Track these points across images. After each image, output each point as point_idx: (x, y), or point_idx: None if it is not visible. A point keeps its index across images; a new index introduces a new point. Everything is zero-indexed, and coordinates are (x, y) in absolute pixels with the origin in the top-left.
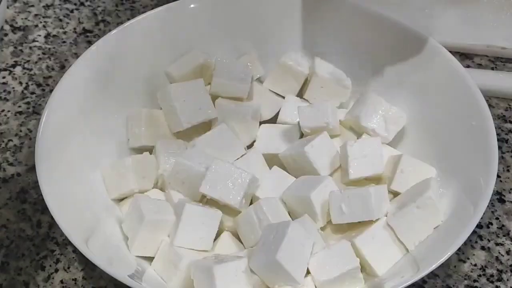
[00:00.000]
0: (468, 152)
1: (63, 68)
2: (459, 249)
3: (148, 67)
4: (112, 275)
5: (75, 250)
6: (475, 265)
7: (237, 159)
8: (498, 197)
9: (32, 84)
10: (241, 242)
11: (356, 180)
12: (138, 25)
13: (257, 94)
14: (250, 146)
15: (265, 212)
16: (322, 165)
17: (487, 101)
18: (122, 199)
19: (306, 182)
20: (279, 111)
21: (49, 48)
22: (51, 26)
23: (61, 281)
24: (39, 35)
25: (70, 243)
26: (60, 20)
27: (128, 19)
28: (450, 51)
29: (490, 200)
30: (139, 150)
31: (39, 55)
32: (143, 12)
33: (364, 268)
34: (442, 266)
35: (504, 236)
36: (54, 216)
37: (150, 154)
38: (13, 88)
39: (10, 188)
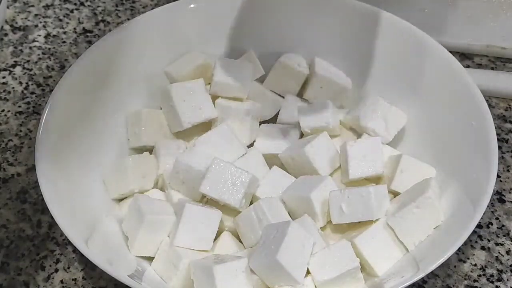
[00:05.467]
0: (468, 152)
1: (63, 68)
2: (459, 249)
3: (148, 67)
4: (112, 275)
5: (75, 250)
6: (475, 265)
7: (237, 159)
8: (498, 197)
9: (32, 84)
10: (241, 242)
11: (356, 180)
12: (138, 25)
13: (257, 94)
14: (250, 146)
15: (265, 212)
16: (322, 165)
17: (487, 101)
18: (122, 199)
19: (306, 182)
20: (279, 111)
21: (49, 48)
22: (51, 26)
23: (61, 281)
24: (39, 35)
25: (70, 243)
26: (60, 20)
27: (128, 19)
28: (450, 51)
29: (490, 200)
30: (139, 150)
31: (39, 55)
32: (143, 12)
33: (364, 268)
34: (442, 266)
35: (504, 236)
36: (54, 216)
37: (150, 154)
38: (13, 88)
39: (10, 188)
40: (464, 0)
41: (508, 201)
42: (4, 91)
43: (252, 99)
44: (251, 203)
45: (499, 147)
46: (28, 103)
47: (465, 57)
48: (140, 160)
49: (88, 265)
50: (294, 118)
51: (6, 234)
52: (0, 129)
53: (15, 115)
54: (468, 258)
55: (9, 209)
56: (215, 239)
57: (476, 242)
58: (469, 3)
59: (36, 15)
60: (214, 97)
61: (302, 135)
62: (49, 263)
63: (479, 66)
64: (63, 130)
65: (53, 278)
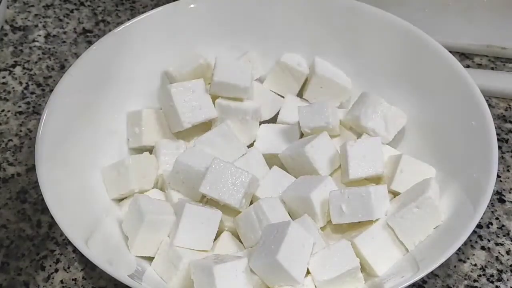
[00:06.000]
0: (468, 152)
1: (63, 68)
2: (459, 249)
3: (148, 67)
4: (112, 275)
5: (75, 250)
6: (475, 265)
7: (237, 159)
8: (498, 197)
9: (32, 84)
10: (241, 242)
11: (356, 180)
12: (138, 25)
13: (257, 94)
14: (250, 146)
15: (265, 212)
16: (322, 165)
17: (487, 101)
18: (122, 199)
19: (306, 182)
20: (279, 111)
21: (49, 48)
22: (51, 26)
23: (61, 281)
24: (39, 35)
25: (70, 243)
26: (60, 20)
27: (128, 19)
28: (450, 51)
29: (490, 200)
30: (139, 150)
31: (39, 55)
32: (143, 12)
33: (364, 268)
34: (442, 266)
35: (504, 236)
36: (54, 216)
37: (150, 154)
38: (13, 88)
39: (10, 188)
40: (464, 0)
41: (508, 201)
42: (4, 91)
43: (252, 99)
44: (251, 203)
45: (499, 147)
46: (28, 103)
47: (465, 57)
48: (140, 160)
49: (88, 265)
50: (294, 118)
51: (6, 234)
52: (0, 129)
53: (15, 115)
54: (468, 258)
55: (9, 209)
56: (215, 239)
57: (476, 242)
58: (469, 3)
59: (36, 15)
60: (214, 97)
61: (302, 135)
62: (49, 263)
63: (479, 66)
64: (63, 130)
65: (53, 278)
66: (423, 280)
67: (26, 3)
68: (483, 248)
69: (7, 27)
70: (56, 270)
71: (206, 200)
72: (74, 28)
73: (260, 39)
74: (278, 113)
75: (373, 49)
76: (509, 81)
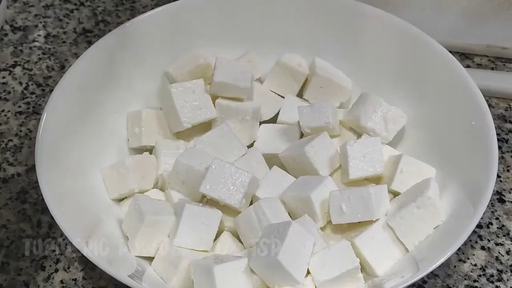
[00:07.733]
0: (468, 152)
1: (63, 68)
2: (459, 249)
3: (148, 67)
4: (112, 275)
5: (75, 250)
6: (475, 265)
7: (237, 159)
8: (498, 197)
9: (32, 84)
10: (241, 242)
11: (356, 180)
12: (138, 25)
13: (257, 94)
14: (250, 146)
15: (265, 212)
16: (322, 165)
17: (487, 101)
18: (122, 199)
19: (306, 182)
20: (279, 111)
21: (49, 48)
22: (51, 26)
23: (61, 281)
24: (39, 35)
25: (70, 243)
26: (60, 20)
27: (128, 19)
28: (450, 51)
29: (490, 200)
30: (139, 150)
31: (39, 55)
32: (143, 12)
33: (364, 268)
34: (442, 266)
35: (504, 236)
36: (54, 216)
37: (150, 154)
38: (13, 88)
39: (10, 188)
40: (464, 0)
41: (508, 201)
42: (4, 91)
43: (252, 99)
44: (251, 203)
45: (499, 147)
46: (28, 103)
47: (465, 57)
48: (140, 160)
49: (88, 265)
50: (294, 118)
51: (6, 234)
52: (0, 129)
53: (15, 115)
54: (468, 258)
55: (9, 209)
56: (215, 239)
57: (476, 242)
58: (469, 3)
59: (36, 15)
60: (214, 97)
61: (302, 135)
62: (49, 263)
63: (479, 66)
64: (63, 130)
65: (53, 278)
66: (423, 280)
67: (26, 3)
68: (483, 248)
69: (7, 27)
70: (56, 270)
71: (206, 200)
72: (74, 28)
73: (260, 39)
74: (278, 113)
75: (373, 49)
76: (509, 81)
